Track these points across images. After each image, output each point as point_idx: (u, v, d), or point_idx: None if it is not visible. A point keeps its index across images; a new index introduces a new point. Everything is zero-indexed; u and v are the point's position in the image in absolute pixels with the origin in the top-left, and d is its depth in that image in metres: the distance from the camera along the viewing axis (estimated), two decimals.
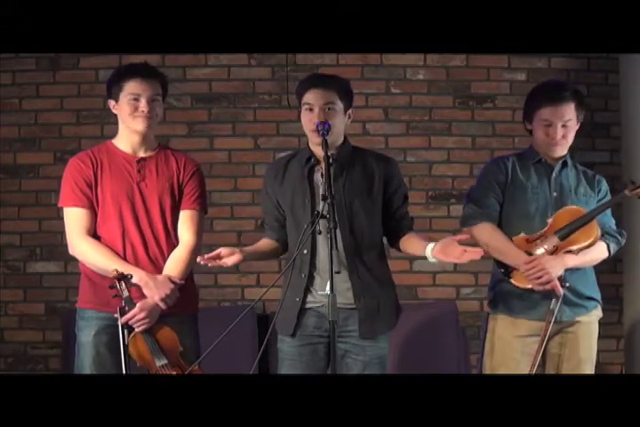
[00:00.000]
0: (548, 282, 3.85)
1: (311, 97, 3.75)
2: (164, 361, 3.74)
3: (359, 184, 3.78)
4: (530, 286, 3.89)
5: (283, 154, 4.06)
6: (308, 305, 3.77)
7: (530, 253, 3.91)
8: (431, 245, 3.67)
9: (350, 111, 3.82)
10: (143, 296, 3.76)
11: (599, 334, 4.07)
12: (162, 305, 3.76)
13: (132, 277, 3.74)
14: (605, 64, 5.59)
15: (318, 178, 3.78)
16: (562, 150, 4.01)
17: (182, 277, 3.82)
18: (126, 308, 3.72)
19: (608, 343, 5.37)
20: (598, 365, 4.06)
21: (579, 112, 4.00)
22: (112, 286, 3.73)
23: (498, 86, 5.59)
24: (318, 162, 3.78)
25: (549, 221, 3.94)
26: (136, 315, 3.72)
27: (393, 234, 3.87)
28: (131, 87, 3.82)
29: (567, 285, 3.87)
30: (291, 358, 3.78)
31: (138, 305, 3.73)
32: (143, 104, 3.81)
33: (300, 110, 3.81)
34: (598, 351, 4.06)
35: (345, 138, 3.84)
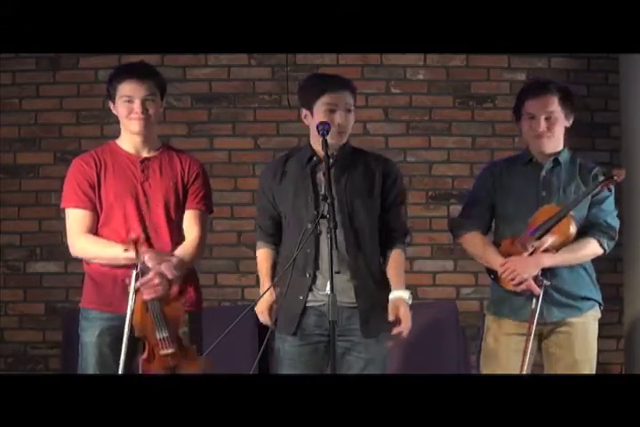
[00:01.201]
0: (520, 283, 3.87)
1: (334, 99, 3.76)
2: (165, 334, 3.70)
3: (360, 185, 3.81)
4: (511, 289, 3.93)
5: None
6: (309, 304, 3.78)
7: (511, 255, 3.93)
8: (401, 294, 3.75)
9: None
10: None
11: (599, 333, 4.07)
12: (169, 274, 3.73)
13: (150, 243, 3.75)
14: (605, 64, 5.58)
15: (321, 177, 3.79)
16: (549, 144, 3.98)
17: (190, 262, 3.84)
18: (140, 274, 3.70)
19: (608, 343, 5.37)
20: (598, 365, 4.05)
21: (564, 107, 3.98)
22: (127, 250, 3.72)
23: (498, 86, 5.59)
24: (321, 161, 3.79)
25: (529, 221, 3.95)
26: (152, 280, 3.71)
27: (383, 239, 3.85)
28: (124, 89, 3.82)
29: (547, 284, 3.88)
30: (290, 358, 3.78)
31: (153, 271, 3.72)
32: (137, 105, 3.81)
33: (307, 111, 3.80)
34: (598, 351, 4.05)
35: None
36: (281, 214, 3.85)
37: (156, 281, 3.72)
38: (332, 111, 3.76)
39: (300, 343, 3.77)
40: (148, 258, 3.72)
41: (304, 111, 3.84)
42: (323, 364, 3.76)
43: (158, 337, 3.70)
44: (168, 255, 3.80)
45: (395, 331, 3.73)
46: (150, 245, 3.83)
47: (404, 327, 3.72)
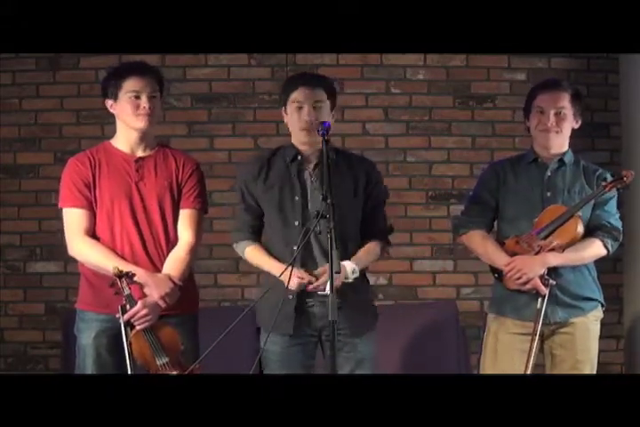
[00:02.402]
0: (526, 282, 3.86)
1: (301, 95, 3.77)
2: (165, 360, 3.72)
3: (345, 185, 3.81)
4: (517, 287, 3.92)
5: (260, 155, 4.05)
6: (298, 304, 3.76)
7: (516, 255, 3.93)
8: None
9: (333, 112, 3.87)
10: (144, 295, 3.76)
11: (599, 334, 4.07)
12: (161, 303, 3.75)
13: (132, 274, 3.73)
14: (605, 64, 5.59)
15: (307, 176, 3.80)
16: (556, 140, 3.98)
17: (182, 277, 3.82)
18: (127, 306, 3.71)
19: (608, 343, 5.37)
20: (598, 365, 4.06)
21: (574, 106, 3.99)
22: (113, 284, 3.71)
23: (498, 86, 5.59)
24: (305, 160, 3.80)
25: (535, 221, 3.94)
26: (139, 311, 3.71)
27: (366, 239, 3.87)
28: (130, 84, 3.81)
29: (553, 283, 3.88)
30: (280, 360, 3.76)
31: (140, 302, 3.72)
32: (144, 101, 3.80)
33: (284, 109, 3.84)
34: (598, 351, 4.05)
35: None
36: (263, 212, 3.85)
37: (144, 311, 3.72)
38: (299, 108, 3.78)
39: (289, 344, 3.76)
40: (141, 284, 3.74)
41: (282, 110, 3.88)
42: (311, 364, 3.77)
43: (159, 363, 3.72)
44: (159, 280, 3.77)
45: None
46: (145, 247, 3.83)
47: (317, 282, 3.66)
